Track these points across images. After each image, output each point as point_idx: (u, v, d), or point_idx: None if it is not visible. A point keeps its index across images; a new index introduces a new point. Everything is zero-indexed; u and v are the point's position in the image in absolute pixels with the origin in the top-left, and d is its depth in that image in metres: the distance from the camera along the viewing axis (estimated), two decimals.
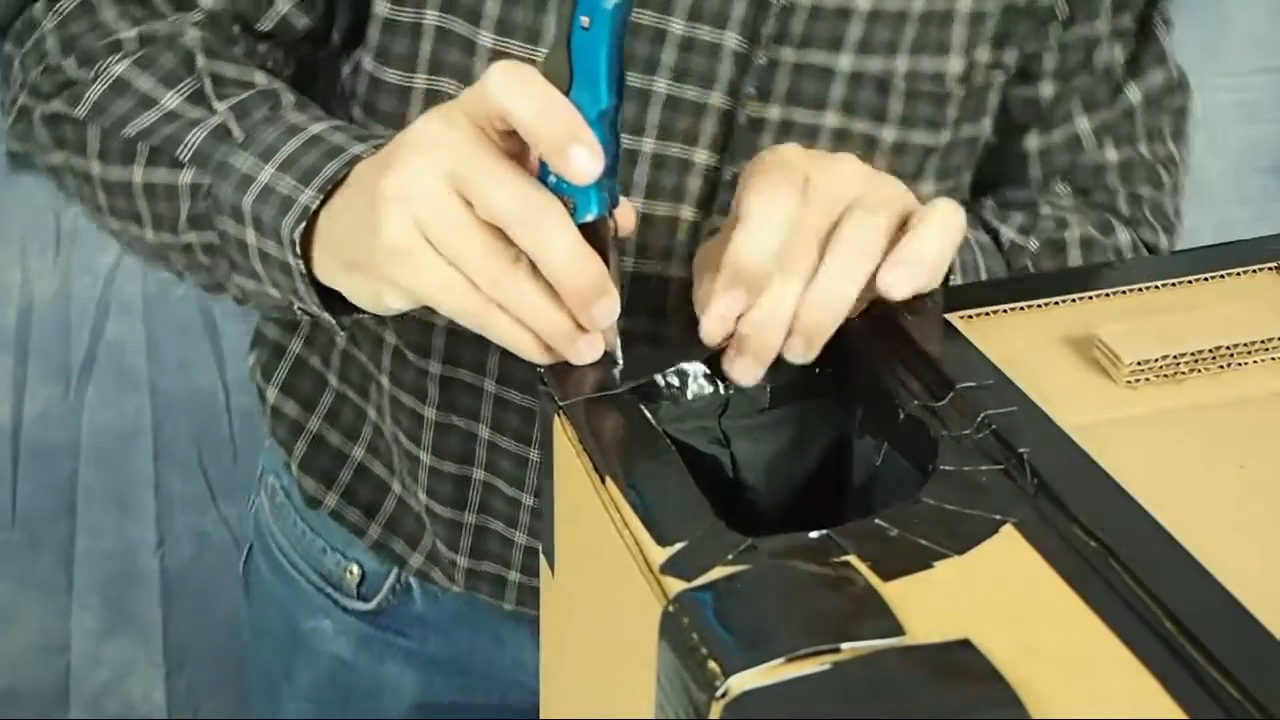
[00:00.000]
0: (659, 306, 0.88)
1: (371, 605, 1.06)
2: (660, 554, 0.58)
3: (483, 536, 0.98)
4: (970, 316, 0.74)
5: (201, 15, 0.86)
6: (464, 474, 0.96)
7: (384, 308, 0.72)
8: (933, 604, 0.56)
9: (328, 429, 1.03)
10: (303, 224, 0.74)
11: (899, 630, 0.54)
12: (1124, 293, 0.76)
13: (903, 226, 0.70)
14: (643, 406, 0.68)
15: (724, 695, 0.52)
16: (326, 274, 0.75)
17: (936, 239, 0.70)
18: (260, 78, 0.84)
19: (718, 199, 0.87)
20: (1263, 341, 0.71)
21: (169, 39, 0.84)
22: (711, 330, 0.69)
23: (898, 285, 0.69)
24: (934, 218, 0.70)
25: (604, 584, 0.64)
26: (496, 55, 0.85)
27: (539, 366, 0.69)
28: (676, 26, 0.84)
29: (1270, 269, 0.78)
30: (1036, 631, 0.55)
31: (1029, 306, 0.75)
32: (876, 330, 0.72)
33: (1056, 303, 0.75)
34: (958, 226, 0.71)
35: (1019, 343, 0.72)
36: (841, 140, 0.88)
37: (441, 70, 0.86)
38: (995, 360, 0.70)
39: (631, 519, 0.60)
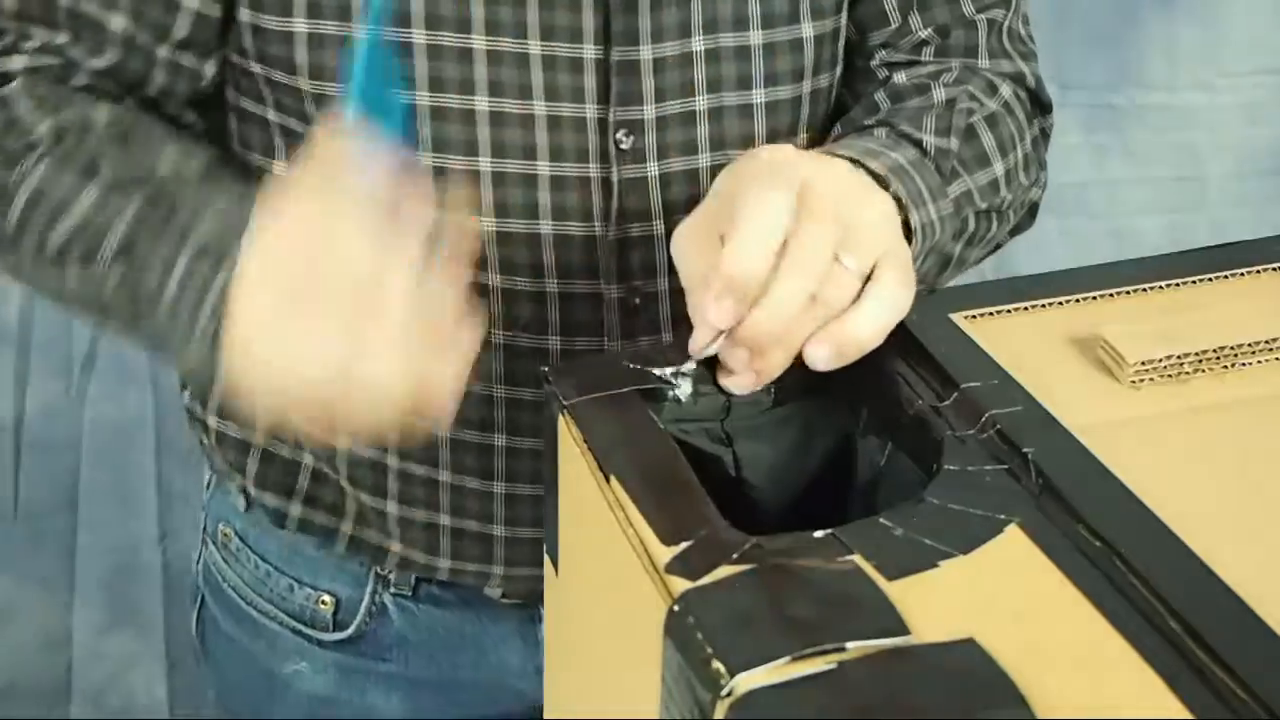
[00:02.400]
0: (590, 263, 0.90)
1: (349, 632, 1.04)
2: (665, 553, 0.59)
3: (460, 495, 0.97)
4: (974, 317, 0.74)
5: (115, 51, 0.86)
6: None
7: None
8: (937, 603, 0.56)
9: (275, 441, 1.02)
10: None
11: (904, 630, 0.54)
12: (1128, 293, 0.76)
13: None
14: (646, 406, 0.68)
15: (729, 695, 0.52)
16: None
17: (880, 318, 0.70)
18: (167, 159, 0.83)
19: (613, 89, 0.88)
20: (1266, 342, 0.71)
21: (81, 127, 0.84)
22: (700, 339, 0.70)
23: (822, 361, 0.70)
24: (886, 293, 0.70)
25: (609, 583, 0.64)
26: None
27: (544, 367, 0.70)
28: None
29: (1273, 269, 0.79)
30: (1041, 631, 0.55)
31: (1033, 307, 0.75)
32: None
33: (1060, 303, 0.76)
34: (904, 305, 0.71)
35: (1023, 343, 0.72)
36: (716, 25, 0.89)
37: (320, 13, 0.86)
38: (999, 360, 0.70)
39: (636, 518, 0.61)
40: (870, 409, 0.71)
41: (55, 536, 1.80)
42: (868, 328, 0.70)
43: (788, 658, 0.52)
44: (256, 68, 0.90)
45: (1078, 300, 0.76)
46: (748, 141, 0.92)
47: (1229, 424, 0.68)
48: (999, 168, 0.91)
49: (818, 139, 0.96)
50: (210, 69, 0.91)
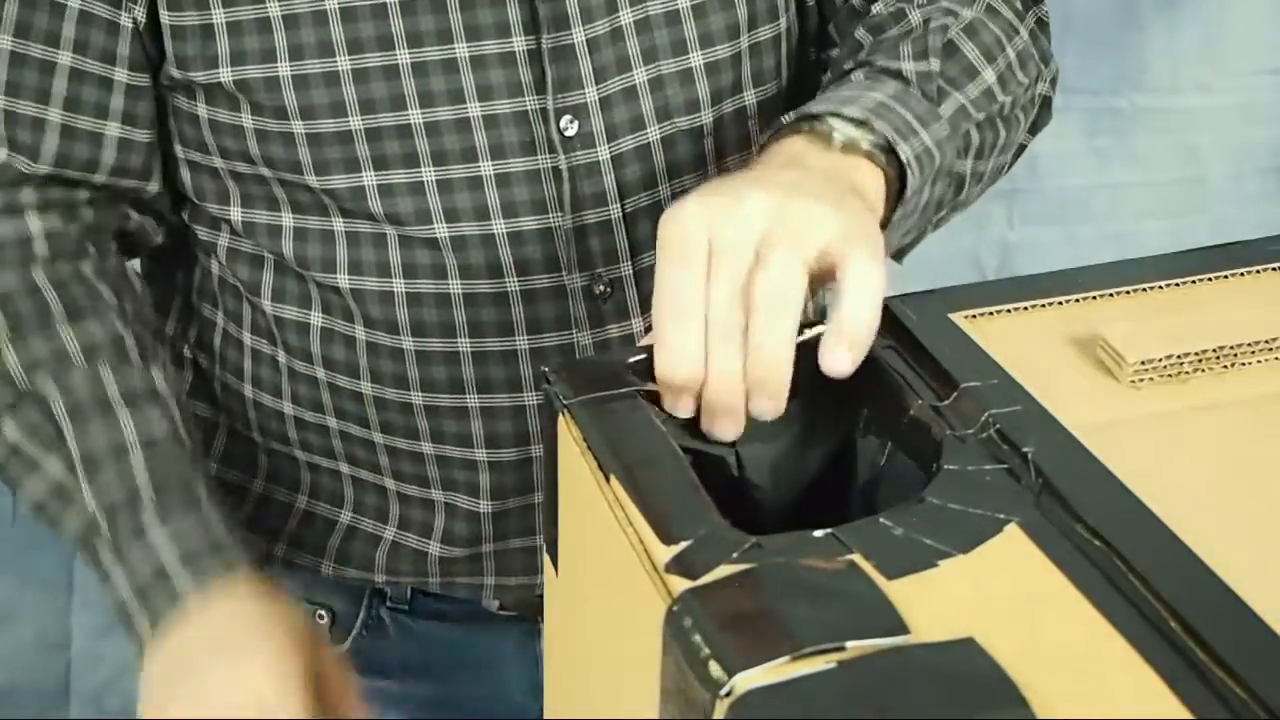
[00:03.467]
0: (549, 256, 0.91)
1: (346, 647, 1.04)
2: (665, 552, 0.58)
3: (452, 516, 0.97)
4: (974, 316, 0.74)
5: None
6: (415, 450, 0.96)
7: None
8: (937, 603, 0.56)
9: (270, 487, 1.02)
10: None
11: (904, 629, 0.54)
12: (1128, 293, 0.76)
13: (826, 267, 0.68)
14: (647, 406, 0.68)
15: (728, 694, 0.52)
16: None
17: (867, 301, 0.67)
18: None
19: (549, 77, 0.88)
20: (1266, 341, 0.71)
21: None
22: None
23: (844, 369, 0.67)
24: (859, 279, 0.67)
25: (608, 583, 0.64)
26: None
27: (544, 366, 0.70)
28: None
29: (1273, 269, 0.79)
30: (1041, 630, 0.55)
31: (1033, 306, 0.75)
32: (881, 330, 0.72)
33: (1060, 302, 0.75)
34: (879, 283, 0.68)
35: (1023, 342, 0.72)
36: None
37: (244, 59, 0.87)
38: (999, 360, 0.70)
39: (636, 517, 0.61)
40: (870, 409, 0.71)
41: (54, 539, 1.78)
42: (861, 315, 0.67)
43: (787, 657, 0.52)
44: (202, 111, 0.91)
45: (1077, 300, 0.76)
46: (692, 106, 0.92)
47: (1229, 423, 0.68)
48: (989, 75, 0.89)
49: (773, 93, 0.96)
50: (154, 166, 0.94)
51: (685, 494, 0.62)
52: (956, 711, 0.51)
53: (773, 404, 0.68)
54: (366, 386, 0.94)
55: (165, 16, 0.88)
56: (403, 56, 0.86)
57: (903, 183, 0.80)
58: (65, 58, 0.88)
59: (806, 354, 0.72)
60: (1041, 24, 0.99)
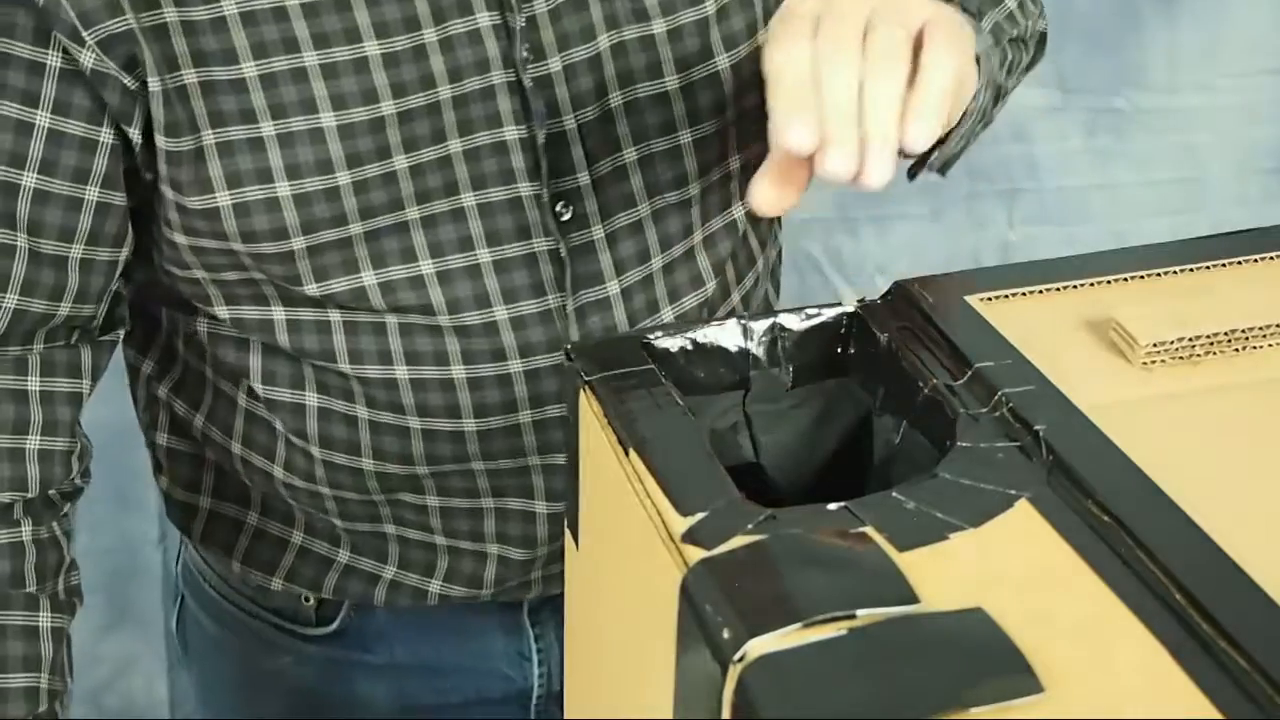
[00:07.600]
0: (550, 338, 0.90)
1: (334, 626, 1.04)
2: (681, 523, 0.59)
3: (457, 556, 0.98)
4: (989, 299, 0.75)
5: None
6: (420, 503, 0.97)
7: None
8: (947, 574, 0.57)
9: (264, 520, 1.02)
10: None
11: (914, 598, 0.55)
12: (1140, 277, 0.77)
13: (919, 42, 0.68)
14: (667, 382, 0.68)
15: (741, 660, 0.52)
16: None
17: (942, 81, 0.68)
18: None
19: (543, 166, 0.88)
20: (1276, 325, 0.72)
21: None
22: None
23: (917, 142, 0.67)
24: (938, 53, 0.68)
25: (627, 554, 0.65)
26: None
27: (567, 344, 0.70)
28: (430, 35, 0.85)
29: None
30: (1048, 602, 0.56)
31: (1047, 290, 0.76)
32: (897, 311, 0.73)
33: (1074, 286, 0.76)
34: (955, 68, 0.69)
35: (1037, 325, 0.73)
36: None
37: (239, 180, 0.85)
38: (1013, 341, 0.71)
39: (654, 490, 0.61)
40: (886, 388, 0.72)
41: None
42: (931, 95, 0.67)
43: (799, 624, 0.53)
44: (181, 238, 0.88)
45: (1090, 284, 0.76)
46: (681, 182, 0.93)
47: (1238, 405, 0.68)
48: (1011, 1, 0.97)
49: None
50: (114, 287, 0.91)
51: (702, 467, 0.63)
52: (964, 678, 0.51)
53: (881, 156, 0.67)
54: (368, 463, 0.93)
55: (161, 141, 0.84)
56: (400, 162, 0.86)
57: None
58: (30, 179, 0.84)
59: (826, 337, 0.73)
60: None
